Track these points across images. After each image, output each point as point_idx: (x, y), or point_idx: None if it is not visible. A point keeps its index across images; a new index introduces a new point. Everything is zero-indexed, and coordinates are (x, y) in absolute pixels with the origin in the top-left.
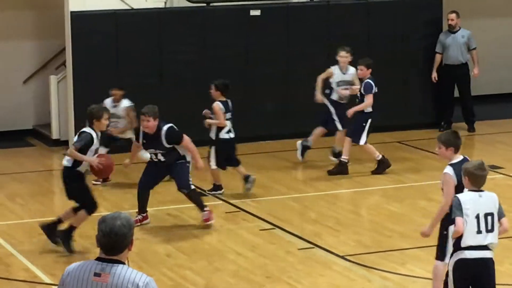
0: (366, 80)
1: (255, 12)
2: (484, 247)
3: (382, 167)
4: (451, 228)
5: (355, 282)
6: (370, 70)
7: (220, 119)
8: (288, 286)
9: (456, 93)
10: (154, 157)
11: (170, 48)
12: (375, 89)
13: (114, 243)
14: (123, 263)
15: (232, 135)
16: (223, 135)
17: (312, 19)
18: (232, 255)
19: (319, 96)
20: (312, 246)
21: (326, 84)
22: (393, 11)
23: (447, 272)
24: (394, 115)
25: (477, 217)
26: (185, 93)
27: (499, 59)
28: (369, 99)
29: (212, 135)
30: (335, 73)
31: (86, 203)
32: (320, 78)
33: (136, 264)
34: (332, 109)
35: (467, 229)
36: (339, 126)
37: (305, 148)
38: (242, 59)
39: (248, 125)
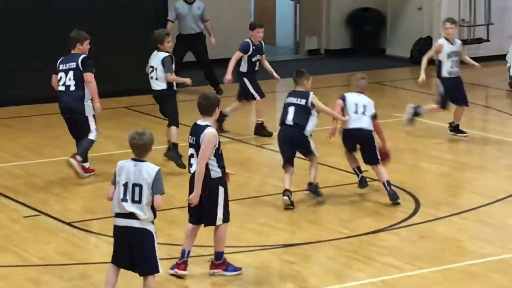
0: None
1: None
2: (130, 216)
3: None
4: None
5: (83, 248)
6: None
7: None
8: (14, 254)
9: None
10: None
11: None
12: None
13: None
14: None
15: None
16: None
17: None
18: None
19: (423, 77)
20: (38, 213)
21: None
22: None
23: None
24: (122, 81)
25: (125, 185)
26: None
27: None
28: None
29: None
30: (444, 46)
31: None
32: (427, 58)
33: None
34: (441, 88)
35: (115, 197)
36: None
37: (416, 115)
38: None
39: None
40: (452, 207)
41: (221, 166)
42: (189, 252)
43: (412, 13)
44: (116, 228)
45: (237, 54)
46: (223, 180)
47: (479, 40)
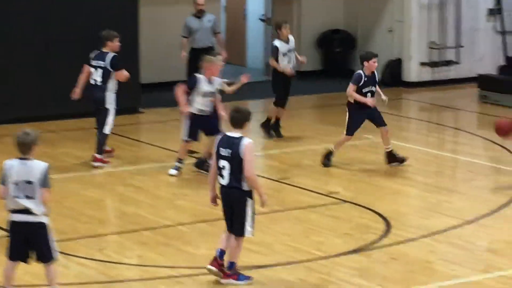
0: None
1: None
2: (26, 211)
3: None
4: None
5: None
6: None
7: None
8: None
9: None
10: None
11: None
12: None
13: None
14: None
15: None
16: None
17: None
18: None
19: None
20: (7, 235)
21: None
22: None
23: None
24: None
25: (17, 183)
26: None
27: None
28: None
29: None
30: None
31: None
32: None
33: None
34: None
35: (10, 194)
36: None
37: None
38: None
39: None
40: (423, 229)
41: None
42: (222, 251)
43: (382, 35)
44: (13, 223)
45: (351, 87)
46: (252, 193)
47: (449, 63)
